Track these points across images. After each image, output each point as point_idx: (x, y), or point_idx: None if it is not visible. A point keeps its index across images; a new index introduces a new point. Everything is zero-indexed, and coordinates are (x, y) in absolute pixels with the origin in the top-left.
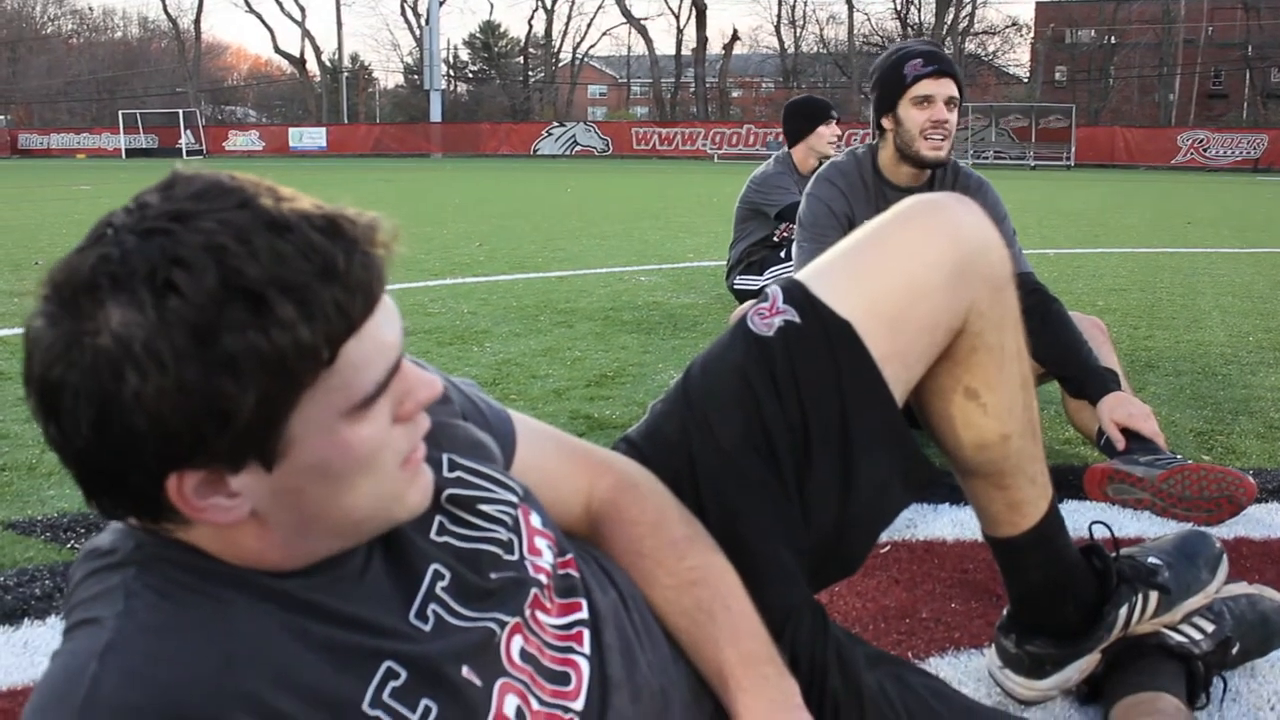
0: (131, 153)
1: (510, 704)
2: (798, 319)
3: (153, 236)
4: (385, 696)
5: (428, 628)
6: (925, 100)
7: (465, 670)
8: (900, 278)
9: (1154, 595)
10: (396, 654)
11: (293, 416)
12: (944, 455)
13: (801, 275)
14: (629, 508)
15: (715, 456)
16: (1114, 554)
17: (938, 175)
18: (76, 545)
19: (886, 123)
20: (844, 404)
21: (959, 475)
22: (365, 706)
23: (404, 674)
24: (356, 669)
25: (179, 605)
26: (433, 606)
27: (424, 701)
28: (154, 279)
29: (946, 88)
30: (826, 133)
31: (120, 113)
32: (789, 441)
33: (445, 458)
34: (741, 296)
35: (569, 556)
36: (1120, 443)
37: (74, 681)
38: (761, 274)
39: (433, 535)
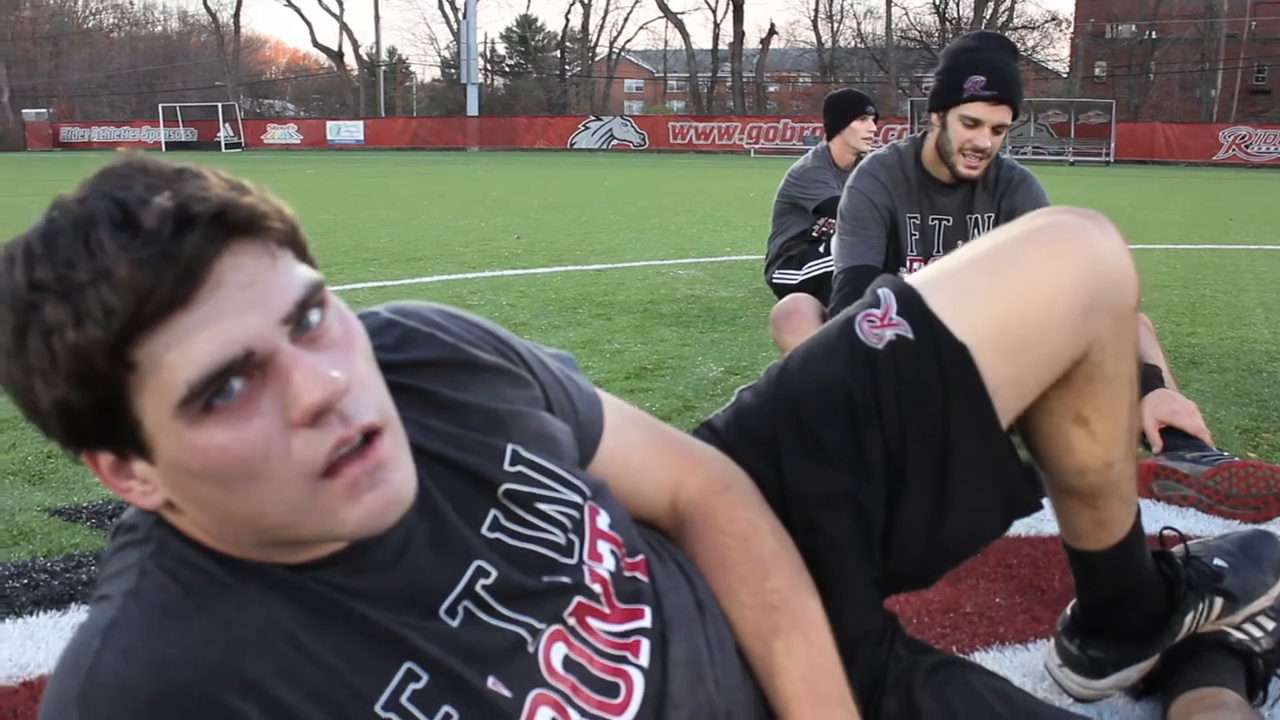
0: (171, 145)
1: (543, 715)
2: (911, 335)
3: (35, 225)
4: (403, 699)
5: (455, 623)
6: (974, 122)
7: (491, 681)
8: (1029, 307)
9: (1219, 601)
10: (419, 655)
11: (133, 413)
12: (1040, 470)
13: (919, 283)
14: (718, 515)
15: (803, 465)
16: (1183, 558)
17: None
18: None
19: (935, 118)
20: (948, 431)
21: (1050, 489)
22: (378, 708)
23: (425, 677)
24: (374, 669)
25: (187, 588)
26: (466, 603)
27: (444, 708)
28: None
29: (998, 114)
30: (860, 128)
31: (160, 106)
32: (885, 463)
33: (509, 449)
34: (780, 291)
35: (639, 558)
36: (1157, 445)
37: (79, 657)
38: (800, 268)
39: (484, 530)
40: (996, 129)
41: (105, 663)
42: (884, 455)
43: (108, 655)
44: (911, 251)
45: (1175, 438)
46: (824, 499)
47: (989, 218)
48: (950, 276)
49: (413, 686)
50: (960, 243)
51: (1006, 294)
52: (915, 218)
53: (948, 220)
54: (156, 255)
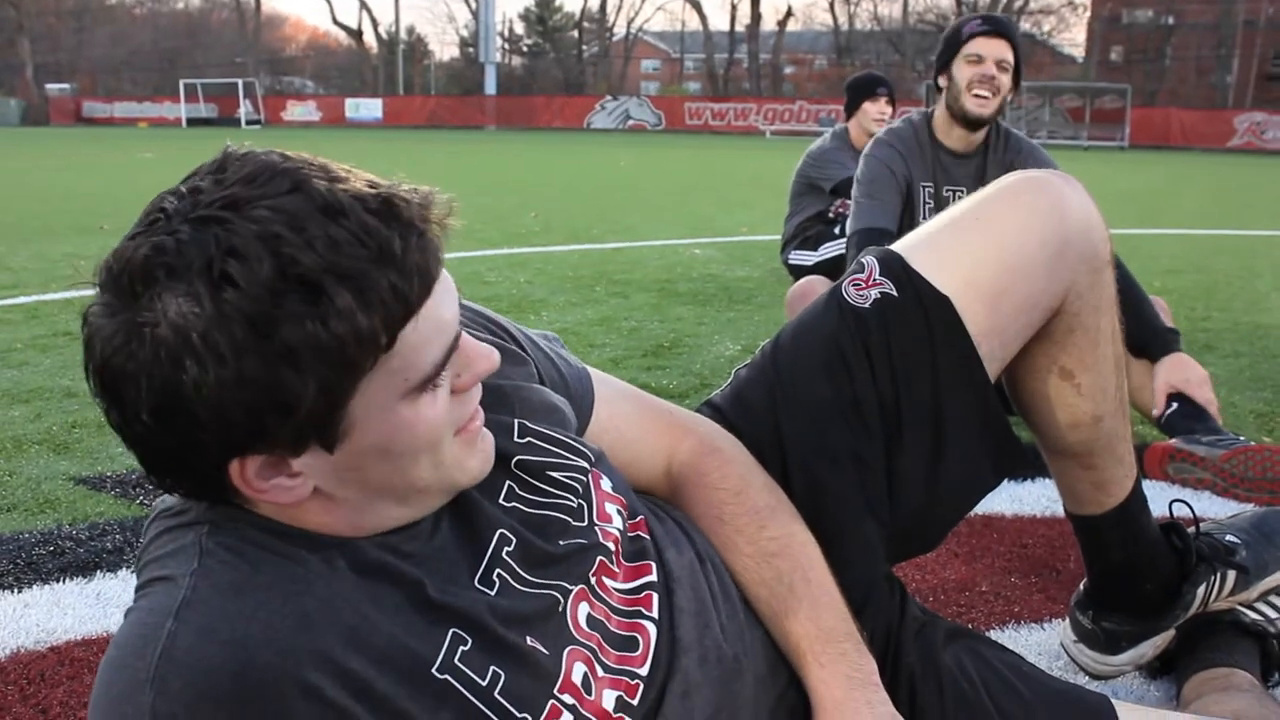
0: (192, 121)
1: (578, 671)
2: (895, 292)
3: (207, 225)
4: (456, 660)
5: (493, 592)
6: (976, 58)
7: (530, 640)
8: (1003, 255)
9: (1231, 574)
10: (461, 621)
11: (353, 401)
12: (1033, 434)
13: (899, 247)
14: (711, 473)
15: (803, 426)
16: (1194, 531)
17: (991, 141)
18: (145, 501)
19: (941, 81)
20: (938, 381)
21: (1046, 454)
22: (435, 670)
23: (470, 640)
24: (425, 634)
25: (253, 564)
26: (498, 571)
27: (492, 667)
28: (210, 271)
29: (998, 49)
30: (871, 109)
31: (181, 82)
32: (880, 415)
33: (516, 423)
34: (796, 271)
35: (640, 518)
36: (1160, 405)
37: (150, 638)
38: (816, 249)
39: (501, 500)
40: (1000, 64)
41: (182, 643)
42: (879, 409)
43: (184, 636)
44: (923, 218)
45: (1188, 420)
46: (826, 456)
47: None
48: (929, 237)
49: (462, 649)
50: None
51: (980, 245)
52: (930, 186)
53: (962, 190)
54: (427, 244)
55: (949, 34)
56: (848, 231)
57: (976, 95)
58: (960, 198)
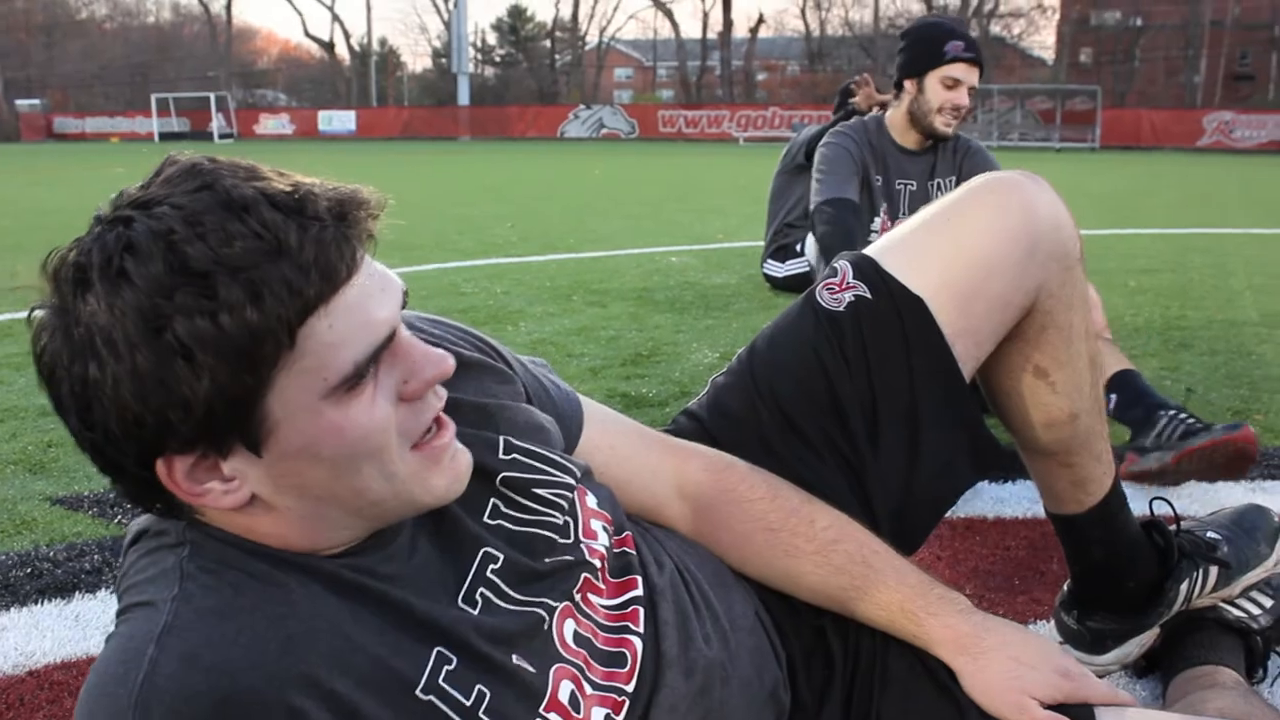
0: (164, 136)
1: (565, 689)
2: (869, 294)
3: (115, 225)
4: (440, 680)
5: (475, 611)
6: (955, 82)
7: (515, 658)
8: (974, 255)
9: (1214, 570)
10: (446, 639)
11: (268, 399)
12: (1010, 434)
13: (872, 250)
14: (737, 486)
15: (785, 431)
16: (1175, 528)
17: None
18: (123, 520)
19: (909, 85)
20: (913, 381)
21: (1024, 454)
22: (419, 691)
23: (455, 659)
24: (409, 654)
25: (234, 588)
26: (481, 590)
27: (477, 686)
28: (109, 268)
29: (973, 77)
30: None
31: (153, 97)
32: (859, 416)
33: (502, 439)
34: (770, 281)
35: (626, 534)
36: None
37: (131, 665)
38: (784, 262)
39: (486, 518)
40: (970, 90)
41: (164, 670)
42: (859, 409)
43: (166, 663)
44: (881, 204)
45: (1130, 409)
46: (811, 456)
47: (950, 181)
48: (900, 240)
49: (446, 668)
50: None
51: (952, 246)
52: (880, 179)
53: (912, 185)
54: (334, 237)
55: (929, 41)
56: (812, 206)
57: (944, 118)
58: (911, 191)
